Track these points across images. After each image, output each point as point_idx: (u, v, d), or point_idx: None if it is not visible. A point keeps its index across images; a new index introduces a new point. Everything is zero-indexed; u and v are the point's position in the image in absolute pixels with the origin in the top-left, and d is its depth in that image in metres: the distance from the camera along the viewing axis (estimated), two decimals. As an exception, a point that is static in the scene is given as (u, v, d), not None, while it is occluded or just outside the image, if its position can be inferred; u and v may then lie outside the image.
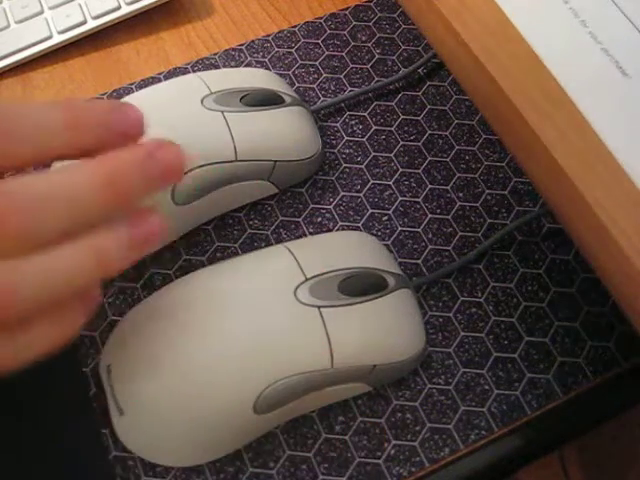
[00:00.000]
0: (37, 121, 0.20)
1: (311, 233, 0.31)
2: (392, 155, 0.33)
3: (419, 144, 0.33)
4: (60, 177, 0.20)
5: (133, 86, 0.35)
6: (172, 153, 0.21)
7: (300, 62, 0.36)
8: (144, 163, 0.20)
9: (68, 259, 0.20)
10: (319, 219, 0.31)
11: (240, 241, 0.31)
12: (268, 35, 0.37)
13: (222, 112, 0.29)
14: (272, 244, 0.31)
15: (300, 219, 0.31)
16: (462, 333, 0.29)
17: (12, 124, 0.20)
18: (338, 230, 0.31)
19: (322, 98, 0.35)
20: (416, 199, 0.32)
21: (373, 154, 0.33)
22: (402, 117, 0.34)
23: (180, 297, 0.26)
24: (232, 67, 0.36)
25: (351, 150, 0.33)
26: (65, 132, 0.21)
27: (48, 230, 0.20)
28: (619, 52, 0.22)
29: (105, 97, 0.35)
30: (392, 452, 0.26)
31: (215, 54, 0.36)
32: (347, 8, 0.38)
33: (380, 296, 0.26)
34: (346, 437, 0.27)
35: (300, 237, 0.31)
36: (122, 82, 0.36)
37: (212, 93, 0.29)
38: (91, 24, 0.36)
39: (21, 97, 0.35)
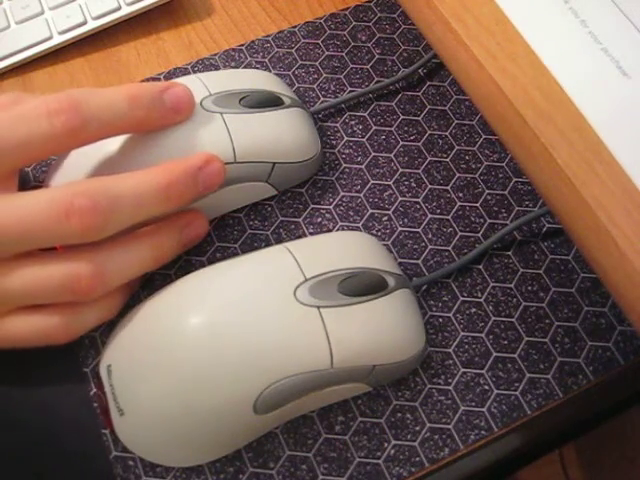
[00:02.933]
0: (107, 100, 0.25)
1: (311, 233, 0.31)
2: (392, 155, 0.33)
3: (419, 144, 0.33)
4: (130, 180, 0.24)
5: (133, 86, 0.35)
6: (217, 168, 0.27)
7: (300, 62, 0.36)
8: (195, 174, 0.26)
9: (135, 251, 0.26)
10: (319, 219, 0.31)
11: (240, 241, 0.31)
12: (268, 35, 0.37)
13: (221, 113, 0.29)
14: (272, 244, 0.31)
15: (300, 219, 0.31)
16: (462, 333, 0.29)
17: (85, 104, 0.24)
18: (338, 230, 0.31)
19: (322, 98, 0.35)
20: (416, 199, 0.32)
21: (373, 154, 0.33)
22: (402, 117, 0.34)
23: (179, 297, 0.26)
24: (232, 67, 0.36)
25: (351, 150, 0.33)
26: (129, 112, 0.25)
27: (117, 226, 0.24)
28: (619, 52, 0.22)
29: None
30: (392, 452, 0.26)
31: (215, 54, 0.36)
32: (347, 8, 0.38)
33: (380, 296, 0.26)
34: (346, 437, 0.27)
35: (300, 237, 0.31)
36: (122, 82, 0.36)
37: (211, 94, 0.29)
38: (91, 25, 0.36)
39: (21, 97, 0.35)
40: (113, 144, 0.28)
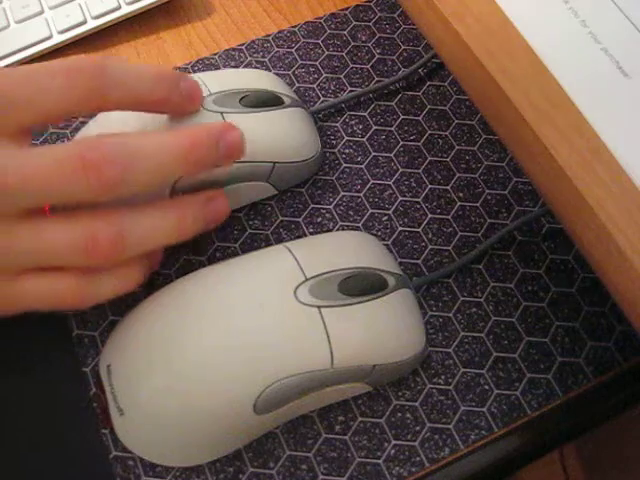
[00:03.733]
0: (134, 71, 0.24)
1: (311, 233, 0.31)
2: (392, 155, 0.33)
3: (419, 144, 0.33)
4: (150, 139, 0.24)
5: (133, 86, 0.35)
6: (237, 136, 0.26)
7: (300, 62, 0.36)
8: (216, 139, 0.25)
9: (159, 219, 0.25)
10: (319, 219, 0.31)
11: (240, 241, 0.31)
12: (268, 35, 0.37)
13: (221, 113, 0.29)
14: (272, 244, 0.31)
15: (300, 219, 0.31)
16: (462, 333, 0.29)
17: (112, 68, 0.24)
18: (338, 230, 0.31)
19: (322, 98, 0.35)
20: (416, 199, 0.32)
21: (373, 154, 0.33)
22: (402, 117, 0.34)
23: (180, 297, 0.26)
24: (232, 67, 0.36)
25: (351, 150, 0.33)
26: (153, 88, 0.25)
27: (135, 183, 0.23)
28: (619, 52, 0.22)
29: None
30: (392, 452, 0.26)
31: (215, 54, 0.36)
32: (347, 8, 0.38)
33: (380, 296, 0.26)
34: (346, 437, 0.27)
35: (300, 237, 0.31)
36: (122, 82, 0.36)
37: (211, 94, 0.29)
38: (91, 24, 0.36)
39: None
40: None
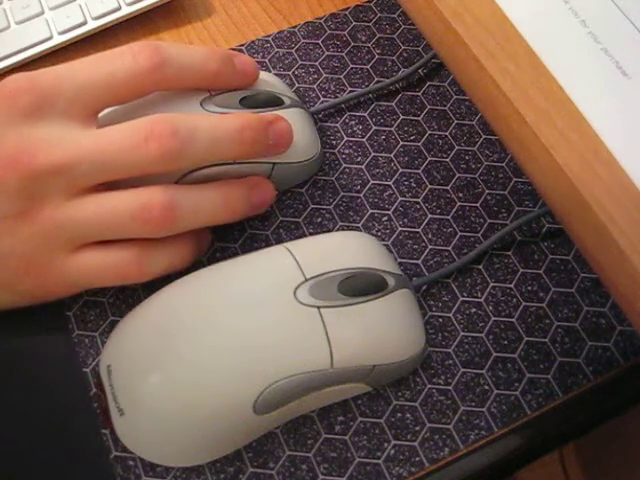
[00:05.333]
0: (186, 49, 0.27)
1: (311, 233, 0.31)
2: (392, 155, 0.33)
3: (419, 144, 0.33)
4: (208, 118, 0.26)
5: (133, 86, 0.35)
6: (286, 126, 0.28)
7: (300, 62, 0.36)
8: (266, 126, 0.27)
9: (208, 196, 0.26)
10: (319, 219, 0.31)
11: (240, 241, 0.31)
12: (268, 35, 0.37)
13: (222, 114, 0.29)
14: (272, 244, 0.31)
15: (300, 219, 0.31)
16: (462, 333, 0.29)
17: (167, 47, 0.26)
18: (338, 230, 0.31)
19: (322, 98, 0.35)
20: (416, 199, 0.32)
21: (373, 154, 0.33)
22: (402, 117, 0.34)
23: (180, 297, 0.26)
24: (232, 67, 0.36)
25: (351, 150, 0.33)
26: (206, 63, 0.27)
27: (192, 157, 0.25)
28: (619, 52, 0.22)
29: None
30: (392, 452, 0.26)
31: (215, 54, 0.36)
32: (347, 8, 0.38)
33: (380, 296, 0.26)
34: (346, 437, 0.27)
35: (300, 237, 0.31)
36: (122, 82, 0.36)
37: (211, 95, 0.29)
38: (91, 25, 0.36)
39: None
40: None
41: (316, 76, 0.35)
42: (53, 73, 0.25)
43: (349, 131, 0.34)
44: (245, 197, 0.28)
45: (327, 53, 0.36)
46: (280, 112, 0.30)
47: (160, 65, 0.26)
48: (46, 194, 0.24)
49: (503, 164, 0.33)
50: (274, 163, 0.30)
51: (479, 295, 0.30)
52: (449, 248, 0.31)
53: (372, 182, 0.32)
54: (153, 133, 0.24)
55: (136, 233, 0.25)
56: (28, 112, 0.25)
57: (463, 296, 0.30)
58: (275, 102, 0.30)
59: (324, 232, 0.31)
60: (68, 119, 0.25)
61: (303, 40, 0.37)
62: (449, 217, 0.32)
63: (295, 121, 0.31)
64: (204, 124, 0.25)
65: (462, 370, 0.28)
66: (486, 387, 0.28)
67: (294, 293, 0.25)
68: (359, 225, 0.31)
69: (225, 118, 0.26)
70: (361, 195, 0.32)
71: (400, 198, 0.32)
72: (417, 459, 0.26)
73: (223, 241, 0.31)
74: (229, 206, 0.27)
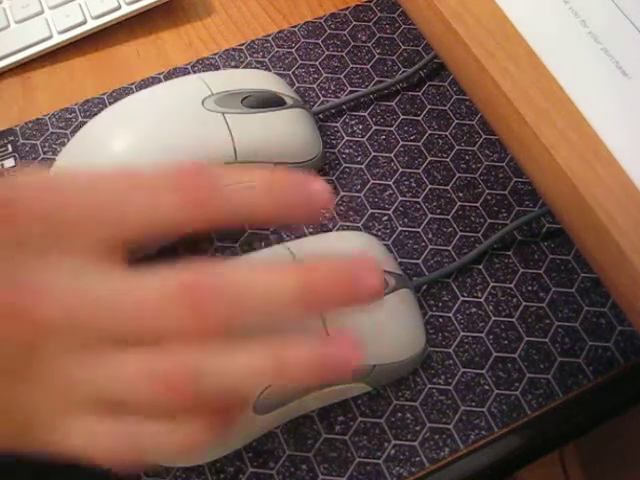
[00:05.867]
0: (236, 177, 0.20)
1: (311, 233, 0.31)
2: (392, 155, 0.33)
3: (419, 144, 0.33)
4: (263, 273, 0.20)
5: (133, 86, 0.35)
6: (375, 279, 0.20)
7: (300, 62, 0.36)
8: (347, 282, 0.20)
9: (246, 361, 0.19)
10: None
11: (240, 241, 0.31)
12: (268, 35, 0.37)
13: (223, 113, 0.29)
14: (272, 244, 0.31)
15: (300, 219, 0.31)
16: (462, 333, 0.29)
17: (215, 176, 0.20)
18: (338, 230, 0.31)
19: (322, 98, 0.35)
20: (416, 199, 0.32)
21: (373, 154, 0.33)
22: (402, 117, 0.34)
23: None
24: (232, 67, 0.36)
25: (351, 150, 0.33)
26: (272, 210, 0.20)
27: (236, 325, 0.19)
28: (619, 52, 0.22)
29: (105, 97, 0.35)
30: (392, 452, 0.26)
31: (215, 54, 0.36)
32: (347, 8, 0.38)
33: (380, 296, 0.26)
34: (346, 437, 0.27)
35: (300, 237, 0.31)
36: (122, 82, 0.36)
37: (213, 94, 0.29)
38: (91, 24, 0.36)
39: (21, 97, 0.35)
40: (120, 140, 0.28)
41: (316, 76, 0.35)
42: (76, 195, 0.20)
43: (349, 131, 0.34)
44: (308, 364, 0.20)
45: (327, 53, 0.36)
46: (282, 112, 0.30)
47: (207, 198, 0.20)
48: (50, 349, 0.20)
49: (503, 164, 0.33)
50: (275, 163, 0.30)
51: (479, 295, 0.30)
52: (449, 248, 0.31)
53: (372, 182, 0.32)
54: (193, 295, 0.19)
55: (147, 403, 0.20)
56: (39, 245, 0.20)
57: (463, 296, 0.30)
58: (277, 102, 0.30)
59: (324, 232, 0.31)
60: (85, 255, 0.20)
61: (303, 40, 0.37)
62: (449, 217, 0.32)
63: (297, 121, 0.31)
64: (258, 284, 0.19)
65: (462, 370, 0.28)
66: (486, 387, 0.28)
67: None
68: (359, 225, 0.31)
69: (285, 274, 0.20)
70: (361, 195, 0.32)
71: (400, 198, 0.32)
72: (417, 459, 0.26)
73: (223, 241, 0.31)
74: (279, 379, 0.20)
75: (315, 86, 0.35)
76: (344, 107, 0.35)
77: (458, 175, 0.33)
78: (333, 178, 0.32)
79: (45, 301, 0.19)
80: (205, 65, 0.36)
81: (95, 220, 0.20)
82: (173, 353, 0.19)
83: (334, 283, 0.20)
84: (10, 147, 0.33)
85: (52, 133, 0.34)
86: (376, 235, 0.31)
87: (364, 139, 0.34)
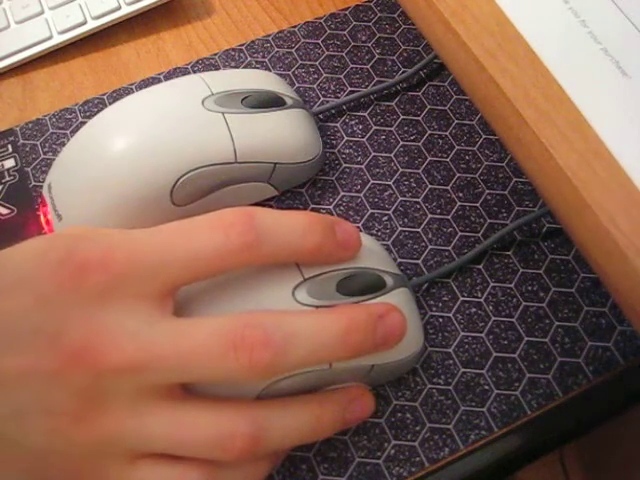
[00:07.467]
0: (289, 222, 0.23)
1: (311, 233, 0.31)
2: (392, 155, 0.33)
3: (419, 144, 0.33)
4: (307, 318, 0.22)
5: (133, 86, 0.35)
6: (398, 320, 0.24)
7: (300, 62, 0.36)
8: (376, 324, 0.23)
9: (295, 418, 0.23)
10: (319, 219, 0.31)
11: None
12: (268, 35, 0.37)
13: (223, 113, 0.29)
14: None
15: (300, 219, 0.31)
16: (462, 333, 0.29)
17: (261, 219, 0.22)
18: (338, 230, 0.31)
19: (322, 98, 0.35)
20: (416, 199, 0.32)
21: (373, 154, 0.33)
22: (402, 117, 0.34)
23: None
24: (232, 67, 0.36)
25: (351, 150, 0.33)
26: (305, 236, 0.23)
27: (285, 368, 0.21)
28: (619, 52, 0.22)
29: (105, 97, 0.35)
30: (392, 452, 0.26)
31: (215, 54, 0.36)
32: (347, 8, 0.38)
33: (378, 296, 0.26)
34: (346, 437, 0.27)
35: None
36: (122, 82, 0.36)
37: (213, 94, 0.29)
38: (91, 24, 0.36)
39: (21, 97, 0.35)
40: (120, 140, 0.28)
41: (316, 76, 0.35)
42: (128, 246, 0.21)
43: (349, 131, 0.34)
44: (339, 416, 0.24)
45: (327, 53, 0.36)
46: (282, 112, 0.30)
47: (255, 244, 0.21)
48: (111, 396, 0.21)
49: (503, 164, 0.33)
50: (275, 163, 0.30)
51: (479, 295, 0.30)
52: (449, 248, 0.31)
53: (372, 182, 0.32)
54: (244, 341, 0.20)
55: (212, 457, 0.22)
56: (97, 293, 0.21)
57: (463, 296, 0.30)
58: (277, 102, 0.30)
59: (324, 232, 0.31)
60: (141, 301, 0.21)
61: (303, 40, 0.37)
62: (449, 217, 0.32)
63: (297, 121, 0.31)
64: (303, 327, 0.21)
65: (462, 370, 0.28)
66: (486, 387, 0.28)
67: (292, 293, 0.25)
68: (359, 225, 0.31)
69: (327, 317, 0.22)
70: (361, 195, 0.32)
71: (400, 198, 0.32)
72: (417, 459, 0.26)
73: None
74: (318, 428, 0.23)
75: (315, 86, 0.35)
76: (344, 107, 0.35)
77: (458, 175, 0.33)
78: (333, 178, 0.32)
79: (110, 347, 0.20)
80: (205, 65, 0.36)
81: (160, 266, 0.21)
82: (232, 412, 0.22)
83: (367, 326, 0.23)
84: (10, 147, 0.33)
85: (52, 133, 0.34)
86: (376, 235, 0.31)
87: (364, 139, 0.34)
